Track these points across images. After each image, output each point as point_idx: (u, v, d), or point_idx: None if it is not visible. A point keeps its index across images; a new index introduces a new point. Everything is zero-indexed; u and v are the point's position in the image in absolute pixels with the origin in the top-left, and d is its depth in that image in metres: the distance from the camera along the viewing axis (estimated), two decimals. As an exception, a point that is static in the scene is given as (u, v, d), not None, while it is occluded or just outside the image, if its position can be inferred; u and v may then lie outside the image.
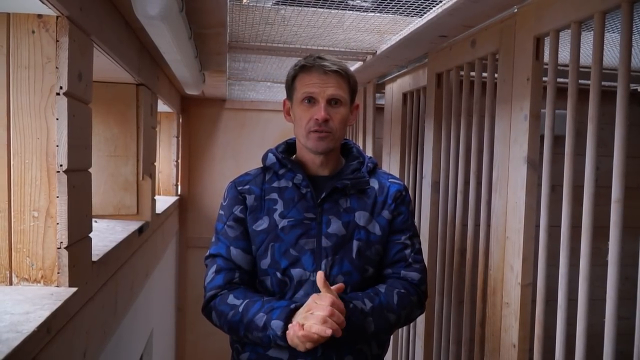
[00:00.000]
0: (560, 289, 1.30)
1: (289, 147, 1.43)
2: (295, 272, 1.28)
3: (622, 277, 1.14)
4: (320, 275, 1.16)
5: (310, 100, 1.30)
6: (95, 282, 1.39)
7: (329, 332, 1.09)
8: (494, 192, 1.61)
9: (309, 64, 1.31)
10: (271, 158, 1.37)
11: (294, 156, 1.41)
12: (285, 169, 1.35)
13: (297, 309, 1.18)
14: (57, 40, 1.11)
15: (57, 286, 1.15)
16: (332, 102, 1.30)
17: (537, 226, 1.41)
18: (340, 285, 1.20)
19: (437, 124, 2.06)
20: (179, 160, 4.02)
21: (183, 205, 4.16)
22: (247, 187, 1.36)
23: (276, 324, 1.17)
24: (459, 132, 1.89)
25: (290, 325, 1.15)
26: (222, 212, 1.37)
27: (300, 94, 1.31)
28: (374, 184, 1.38)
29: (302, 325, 1.11)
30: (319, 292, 1.17)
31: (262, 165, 1.40)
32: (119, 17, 1.57)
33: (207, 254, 1.37)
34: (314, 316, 1.11)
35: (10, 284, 1.14)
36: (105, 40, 1.40)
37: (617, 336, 1.15)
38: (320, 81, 1.29)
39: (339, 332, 1.12)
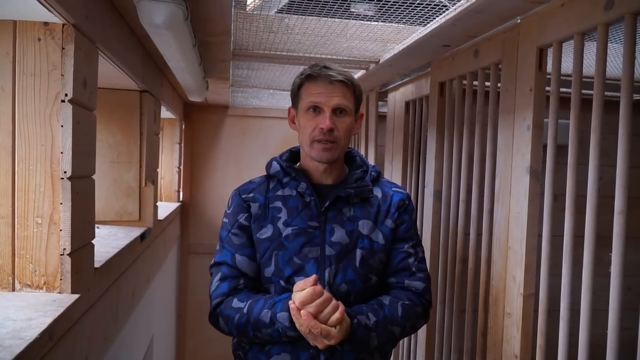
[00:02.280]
0: (563, 299, 1.30)
1: (293, 155, 1.44)
2: (299, 280, 1.28)
3: (624, 287, 1.14)
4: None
5: (316, 109, 1.31)
6: (98, 288, 1.39)
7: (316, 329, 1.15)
8: (496, 202, 1.61)
9: (315, 73, 1.31)
10: (275, 166, 1.38)
11: (298, 164, 1.42)
12: (289, 177, 1.35)
13: None
14: (63, 48, 1.12)
15: (60, 292, 1.15)
16: (337, 111, 1.30)
17: (540, 236, 1.41)
18: (314, 276, 1.20)
19: (440, 133, 2.07)
20: (181, 167, 4.02)
21: (185, 212, 4.16)
22: (251, 195, 1.37)
23: (282, 316, 1.19)
24: (461, 141, 1.90)
25: (290, 302, 1.18)
26: (227, 220, 1.38)
27: (306, 103, 1.32)
28: (378, 192, 1.39)
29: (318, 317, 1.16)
30: None
31: (266, 173, 1.41)
32: (124, 24, 1.58)
33: (212, 262, 1.37)
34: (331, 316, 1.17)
35: (13, 290, 1.14)
36: (110, 47, 1.41)
37: (619, 347, 1.15)
38: (326, 91, 1.30)
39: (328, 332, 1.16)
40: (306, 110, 1.32)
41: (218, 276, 1.34)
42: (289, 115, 1.42)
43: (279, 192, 1.36)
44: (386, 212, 1.37)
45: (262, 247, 1.32)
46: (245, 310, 1.25)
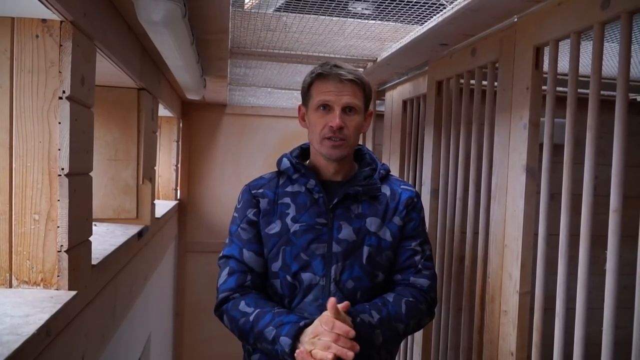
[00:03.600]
0: (559, 298, 1.31)
1: (303, 152, 1.45)
2: (306, 276, 1.30)
3: (620, 286, 1.15)
4: (331, 302, 1.16)
5: (326, 107, 1.32)
6: (95, 285, 1.39)
7: (330, 356, 1.10)
8: (492, 200, 1.62)
9: (326, 72, 1.32)
10: (285, 163, 1.39)
11: (308, 161, 1.43)
12: (298, 174, 1.36)
13: (306, 326, 1.18)
14: (61, 45, 1.12)
15: (57, 289, 1.15)
16: (347, 110, 1.31)
17: (536, 234, 1.42)
18: (346, 303, 1.18)
19: (437, 132, 2.07)
20: (179, 165, 4.02)
21: (182, 210, 4.16)
22: (261, 190, 1.38)
23: (285, 340, 1.17)
24: (458, 140, 1.90)
25: (298, 351, 1.15)
26: (236, 215, 1.40)
27: (316, 101, 1.33)
28: (386, 190, 1.39)
29: (310, 352, 1.12)
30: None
31: (276, 170, 1.42)
32: (122, 22, 1.58)
33: (221, 254, 1.39)
34: (320, 342, 1.13)
35: (10, 286, 1.14)
36: (108, 45, 1.41)
37: (614, 345, 1.15)
38: (336, 89, 1.31)
39: (348, 355, 1.11)
40: (316, 109, 1.33)
41: (226, 270, 1.35)
42: (299, 113, 1.44)
43: (288, 189, 1.37)
44: (394, 210, 1.38)
45: (270, 242, 1.34)
46: (251, 318, 1.25)
